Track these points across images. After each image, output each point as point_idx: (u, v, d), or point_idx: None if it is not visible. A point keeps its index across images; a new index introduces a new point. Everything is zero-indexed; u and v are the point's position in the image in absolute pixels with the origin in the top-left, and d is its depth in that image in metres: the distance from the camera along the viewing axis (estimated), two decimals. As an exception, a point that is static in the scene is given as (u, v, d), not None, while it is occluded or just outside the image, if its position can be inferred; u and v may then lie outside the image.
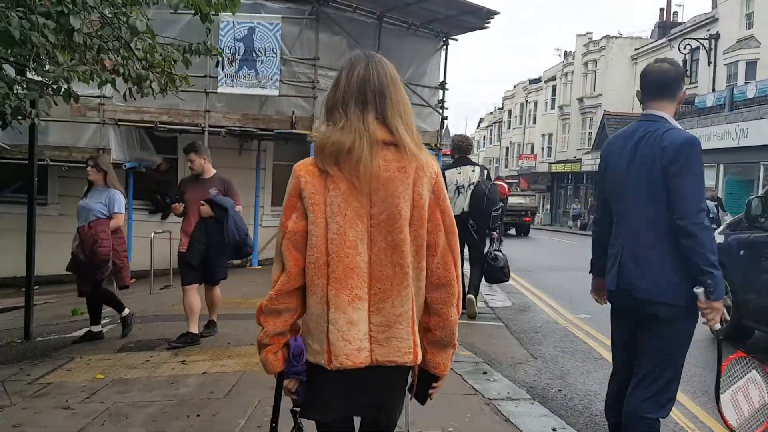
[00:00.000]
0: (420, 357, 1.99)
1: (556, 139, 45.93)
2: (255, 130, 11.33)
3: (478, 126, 72.59)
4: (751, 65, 25.12)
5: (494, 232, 7.51)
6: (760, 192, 8.56)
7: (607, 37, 38.73)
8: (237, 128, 11.33)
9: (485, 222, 7.15)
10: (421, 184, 1.94)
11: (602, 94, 38.73)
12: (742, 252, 6.52)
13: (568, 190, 43.55)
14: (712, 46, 28.08)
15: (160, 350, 5.90)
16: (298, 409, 2.08)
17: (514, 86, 59.28)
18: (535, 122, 50.61)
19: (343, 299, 1.90)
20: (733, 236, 6.74)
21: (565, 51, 46.68)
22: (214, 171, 6.10)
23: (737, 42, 26.01)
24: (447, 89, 13.00)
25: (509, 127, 55.00)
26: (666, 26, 36.25)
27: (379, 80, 1.97)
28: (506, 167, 55.03)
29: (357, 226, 1.91)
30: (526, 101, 52.52)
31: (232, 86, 11.30)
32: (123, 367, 5.33)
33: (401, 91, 2.02)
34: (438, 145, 12.60)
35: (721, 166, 23.99)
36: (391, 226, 1.91)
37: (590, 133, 39.84)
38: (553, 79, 47.28)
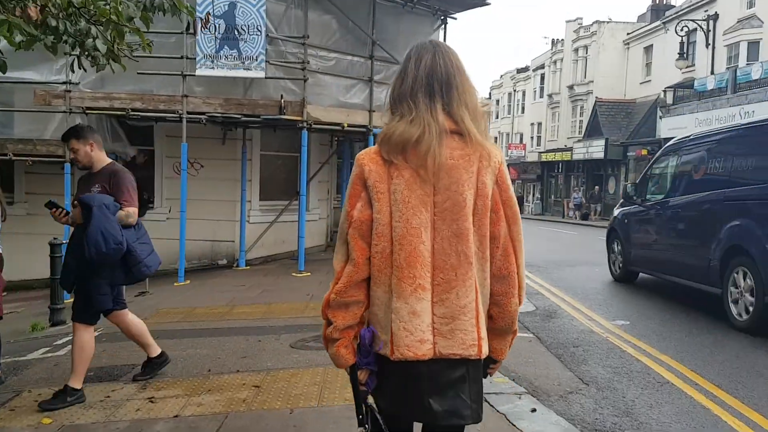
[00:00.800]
0: (485, 350, 1.96)
1: (545, 128, 45.09)
2: (239, 116, 10.15)
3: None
4: (753, 46, 24.26)
5: None
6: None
7: (598, 21, 37.77)
8: (219, 115, 10.15)
9: None
10: (485, 173, 1.93)
11: (593, 80, 37.81)
12: (625, 220, 10.05)
13: (558, 179, 42.74)
14: (711, 27, 27.22)
15: (125, 381, 4.80)
16: (373, 405, 2.05)
17: (501, 76, 58.46)
18: (523, 111, 49.77)
19: (405, 288, 1.88)
20: (620, 210, 10.49)
21: (553, 39, 45.90)
22: (106, 161, 4.54)
23: (738, 22, 25.14)
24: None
25: (497, 117, 54.08)
26: (659, 9, 35.37)
27: (446, 70, 1.97)
28: (495, 158, 54.05)
29: (421, 214, 1.89)
30: (514, 90, 51.65)
31: (213, 68, 10.11)
32: (77, 407, 4.20)
33: (468, 80, 2.01)
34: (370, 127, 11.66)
35: (724, 152, 23.16)
36: (455, 214, 1.90)
37: (581, 121, 38.99)
38: (542, 67, 46.40)
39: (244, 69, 10.11)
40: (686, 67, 27.47)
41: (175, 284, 9.83)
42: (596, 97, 35.46)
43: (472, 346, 1.90)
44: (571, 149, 37.27)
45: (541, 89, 45.92)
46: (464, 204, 1.88)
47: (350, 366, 1.98)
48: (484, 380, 2.05)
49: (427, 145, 1.86)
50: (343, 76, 10.57)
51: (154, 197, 11.87)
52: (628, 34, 36.49)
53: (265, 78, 10.08)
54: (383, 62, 11.20)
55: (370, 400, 2.03)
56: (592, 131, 35.05)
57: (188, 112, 9.97)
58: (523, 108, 49.80)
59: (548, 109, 44.09)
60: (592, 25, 38.27)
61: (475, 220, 1.90)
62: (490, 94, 58.18)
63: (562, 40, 42.19)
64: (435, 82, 1.94)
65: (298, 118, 9.72)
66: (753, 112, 20.88)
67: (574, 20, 40.50)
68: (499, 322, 2.01)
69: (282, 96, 9.93)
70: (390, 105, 2.01)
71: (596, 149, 33.53)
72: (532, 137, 47.00)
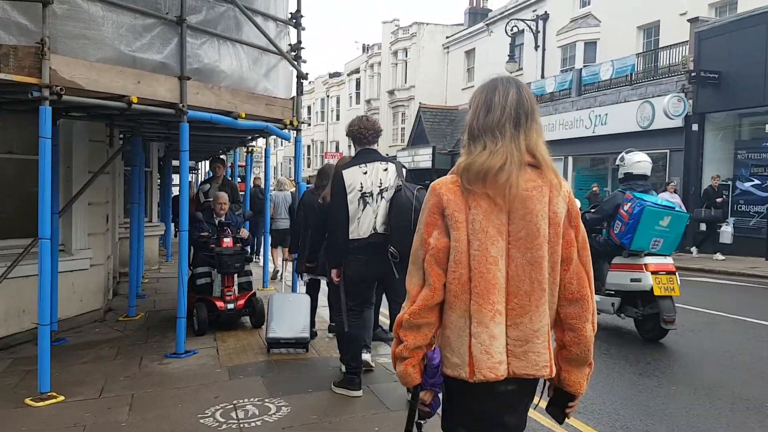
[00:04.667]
0: (555, 371, 2.05)
1: (364, 136, 42.30)
2: None
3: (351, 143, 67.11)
4: (590, 46, 23.15)
5: None
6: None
7: (417, 23, 35.76)
8: None
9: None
10: (557, 203, 2.02)
11: (415, 85, 35.71)
12: None
13: (379, 190, 40.10)
14: (540, 28, 25.99)
15: None
16: (424, 422, 2.13)
17: (310, 82, 55.15)
18: (338, 118, 46.71)
19: (485, 314, 1.96)
20: None
21: (365, 44, 43.52)
22: None
23: (572, 21, 23.99)
24: (303, 28, 7.69)
25: (310, 125, 50.49)
26: (477, 13, 34.18)
27: (530, 104, 2.07)
28: (309, 167, 50.47)
29: (498, 243, 1.98)
30: (327, 96, 48.45)
31: None
32: None
33: (539, 115, 2.13)
34: (295, 121, 7.25)
35: (570, 159, 21.57)
36: (530, 243, 1.98)
37: (403, 129, 36.70)
38: (357, 71, 43.71)
39: None
40: (514, 71, 25.93)
41: None
42: (420, 103, 33.22)
43: (545, 367, 2.00)
44: (395, 158, 34.61)
45: (357, 95, 43.19)
46: (538, 233, 1.98)
47: (415, 386, 2.06)
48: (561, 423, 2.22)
49: (508, 174, 1.96)
50: (128, 7, 5.62)
51: None
52: (447, 37, 34.90)
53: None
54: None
55: (429, 422, 2.12)
56: (418, 139, 32.69)
57: None
58: (338, 115, 46.73)
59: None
60: (410, 26, 36.17)
61: (548, 248, 1.99)
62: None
63: (379, 43, 39.75)
64: (522, 115, 2.03)
65: (32, 81, 4.79)
66: (606, 115, 19.34)
67: (391, 21, 38.21)
68: (573, 350, 2.06)
69: None
70: (469, 136, 2.08)
71: (423, 158, 31.09)
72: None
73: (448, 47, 34.80)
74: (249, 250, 7.72)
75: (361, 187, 4.54)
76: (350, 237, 4.51)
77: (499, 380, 1.96)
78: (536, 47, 26.32)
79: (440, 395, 2.10)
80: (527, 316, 1.98)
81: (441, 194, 2.02)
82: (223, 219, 7.18)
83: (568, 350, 2.06)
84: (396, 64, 37.53)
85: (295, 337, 5.92)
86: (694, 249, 15.56)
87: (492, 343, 1.95)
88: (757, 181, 15.22)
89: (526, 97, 2.06)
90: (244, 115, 6.38)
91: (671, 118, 16.61)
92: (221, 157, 10.00)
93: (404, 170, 4.81)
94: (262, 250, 11.81)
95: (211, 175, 9.64)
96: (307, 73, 7.41)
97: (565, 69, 23.86)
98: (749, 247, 14.77)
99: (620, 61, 19.44)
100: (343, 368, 4.91)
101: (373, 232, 4.51)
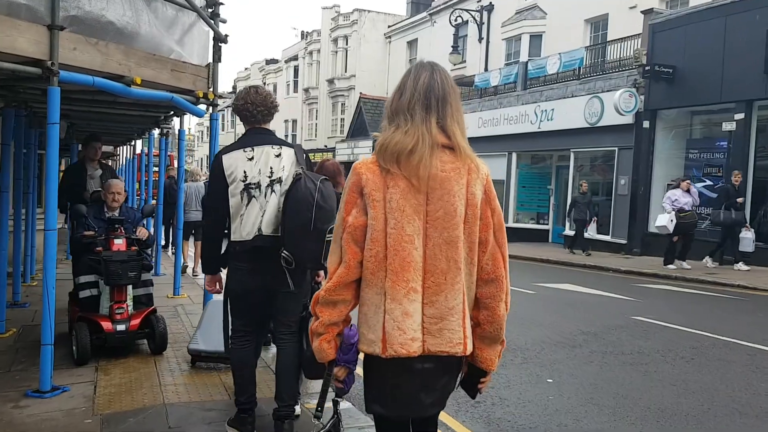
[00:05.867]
0: (470, 348, 2.11)
1: (302, 126, 40.80)
2: None
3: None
4: (536, 39, 22.43)
5: (320, 272, 4.16)
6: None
7: (359, 10, 34.45)
8: None
9: (312, 254, 3.52)
10: (474, 185, 2.07)
11: (355, 75, 34.42)
12: None
13: (316, 183, 38.67)
14: (484, 20, 25.16)
15: None
16: (340, 399, 2.21)
17: (246, 68, 53.12)
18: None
19: (399, 291, 2.00)
20: None
21: (303, 31, 41.86)
22: None
23: (517, 13, 23.22)
24: (222, -18, 6.31)
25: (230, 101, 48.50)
26: (419, 3, 33.13)
27: (442, 88, 2.11)
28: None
29: (414, 222, 2.02)
30: (264, 83, 46.44)
31: None
32: None
33: (459, 100, 2.17)
34: (210, 94, 5.83)
35: (514, 155, 20.78)
36: (446, 223, 2.03)
37: (343, 119, 35.40)
38: (295, 59, 42.05)
39: None
40: (457, 64, 25.03)
41: None
42: (360, 93, 31.97)
43: (459, 344, 2.05)
44: (333, 149, 33.32)
45: (296, 83, 41.58)
46: (455, 213, 2.04)
47: (329, 362, 2.10)
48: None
49: (420, 156, 2.01)
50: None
51: None
52: (389, 26, 33.76)
53: None
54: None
55: (344, 405, 2.25)
56: (357, 131, 31.45)
57: None
58: (274, 103, 44.91)
59: (304, 105, 39.82)
60: (351, 13, 34.86)
61: (465, 228, 2.06)
62: (235, 86, 52.27)
63: (319, 30, 38.21)
64: (432, 98, 2.08)
65: None
66: (552, 110, 18.60)
67: (331, 7, 36.77)
68: (487, 328, 2.13)
69: None
70: (387, 116, 2.15)
71: (363, 150, 29.80)
72: (286, 135, 42.31)
73: (390, 36, 33.66)
74: (149, 254, 6.25)
75: (245, 176, 3.68)
76: (232, 239, 3.71)
77: (415, 357, 2.01)
78: (480, 39, 25.50)
79: (355, 373, 2.14)
80: (443, 294, 2.04)
81: (361, 173, 2.06)
82: (116, 214, 5.63)
83: (482, 328, 2.14)
84: (336, 52, 36.12)
85: (217, 351, 4.82)
86: (707, 258, 13.23)
87: (405, 320, 2.00)
88: (709, 182, 14.70)
89: (439, 81, 2.11)
90: (140, 82, 4.97)
91: (622, 114, 15.96)
92: (97, 134, 7.75)
93: (305, 154, 3.90)
94: (175, 245, 10.40)
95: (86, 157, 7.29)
96: (226, 35, 5.99)
97: (510, 62, 23.09)
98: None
99: (568, 55, 18.72)
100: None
101: (257, 233, 3.65)
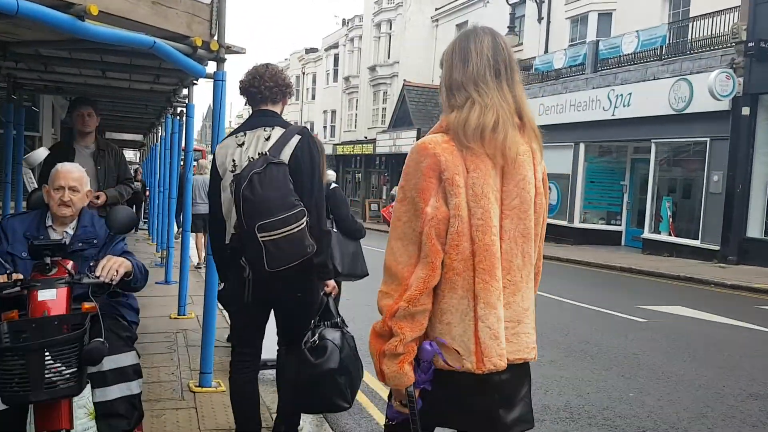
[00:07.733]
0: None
1: (341, 117, 38.97)
2: None
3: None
4: (604, 18, 20.02)
5: (329, 282, 3.37)
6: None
7: (404, -8, 32.34)
8: None
9: (319, 256, 3.07)
10: (539, 169, 1.85)
11: (399, 61, 32.33)
12: None
13: (356, 175, 36.82)
14: (544, -1, 22.81)
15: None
16: (394, 423, 1.87)
17: (286, 58, 51.52)
18: (314, 97, 43.26)
19: (492, 294, 1.74)
20: None
21: (344, 18, 39.98)
22: None
23: (584, -11, 20.82)
24: None
25: (245, 53, 46.78)
26: (471, -17, 30.84)
27: (507, 51, 1.85)
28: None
29: (496, 212, 1.76)
30: (303, 73, 44.80)
31: None
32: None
33: (519, 73, 1.89)
34: (214, 44, 3.90)
35: (581, 146, 18.49)
36: (523, 213, 1.79)
37: (384, 109, 33.38)
38: (335, 46, 40.18)
39: None
40: (514, 46, 22.75)
41: None
42: (404, 81, 29.91)
43: (533, 349, 1.84)
44: (373, 141, 31.39)
45: (336, 72, 39.72)
46: (531, 202, 1.80)
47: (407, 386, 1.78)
48: None
49: (504, 132, 1.74)
50: None
51: None
52: (436, 9, 31.54)
53: None
54: None
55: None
56: (400, 120, 29.43)
57: None
58: (314, 94, 43.25)
59: (344, 94, 37.94)
60: (396, -5, 32.72)
61: (534, 219, 1.83)
62: (273, 76, 50.93)
63: (361, 15, 36.26)
64: (501, 64, 1.82)
65: None
66: (629, 94, 16.26)
67: (374, -9, 34.72)
68: None
69: None
70: (448, 90, 1.84)
71: (406, 142, 27.72)
72: (325, 127, 40.62)
73: (437, 19, 31.44)
74: (133, 299, 3.26)
75: (234, 165, 3.14)
76: (227, 241, 3.17)
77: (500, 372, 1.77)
78: (539, 19, 23.13)
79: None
80: (519, 294, 1.81)
81: (437, 154, 1.73)
82: (68, 231, 3.07)
83: None
84: (378, 38, 34.10)
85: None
86: None
87: (499, 327, 1.74)
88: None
89: (503, 44, 1.85)
90: (96, 12, 3.06)
91: (718, 99, 13.59)
92: (87, 97, 5.35)
93: (313, 141, 3.20)
94: (179, 241, 8.84)
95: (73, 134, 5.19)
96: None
97: (574, 43, 20.74)
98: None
99: (647, 32, 16.32)
100: None
101: (233, 232, 3.08)
